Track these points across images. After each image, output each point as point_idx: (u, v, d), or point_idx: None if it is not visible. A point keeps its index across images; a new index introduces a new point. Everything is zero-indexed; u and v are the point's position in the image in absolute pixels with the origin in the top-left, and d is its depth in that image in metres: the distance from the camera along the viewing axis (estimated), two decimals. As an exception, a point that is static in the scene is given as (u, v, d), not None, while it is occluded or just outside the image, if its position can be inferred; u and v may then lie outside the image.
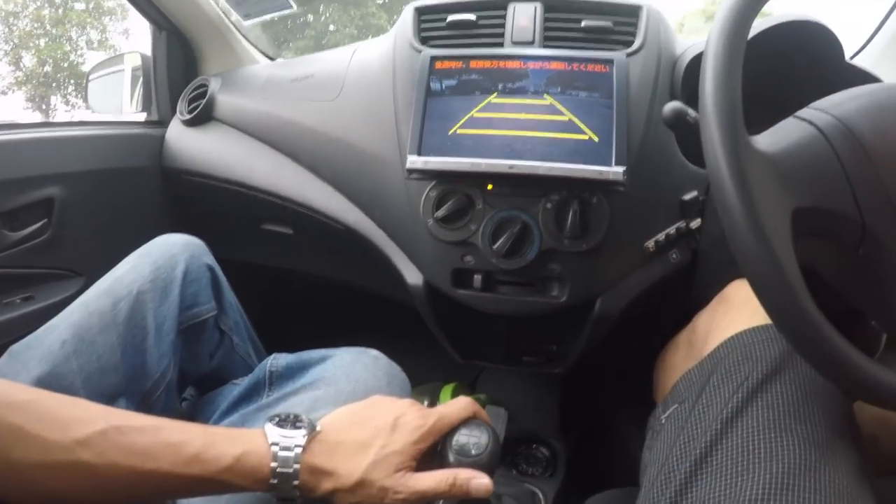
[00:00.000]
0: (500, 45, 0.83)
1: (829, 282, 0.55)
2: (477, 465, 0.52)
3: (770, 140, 0.50)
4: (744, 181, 0.43)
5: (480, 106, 0.75)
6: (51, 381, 0.59)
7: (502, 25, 0.85)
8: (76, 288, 1.00)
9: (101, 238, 1.05)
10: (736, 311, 0.61)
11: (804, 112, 0.52)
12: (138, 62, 1.19)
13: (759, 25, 0.74)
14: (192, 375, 0.78)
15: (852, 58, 1.00)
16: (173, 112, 1.16)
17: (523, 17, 0.85)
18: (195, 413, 0.77)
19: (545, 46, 0.82)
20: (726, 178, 0.43)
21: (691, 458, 0.49)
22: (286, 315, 1.42)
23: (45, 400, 0.46)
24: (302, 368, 0.68)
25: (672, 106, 0.57)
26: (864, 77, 0.75)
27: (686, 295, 0.77)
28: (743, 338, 0.56)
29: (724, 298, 0.65)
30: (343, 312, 1.45)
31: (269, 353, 0.72)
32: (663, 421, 0.58)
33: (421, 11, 0.89)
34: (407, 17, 0.89)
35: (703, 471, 0.48)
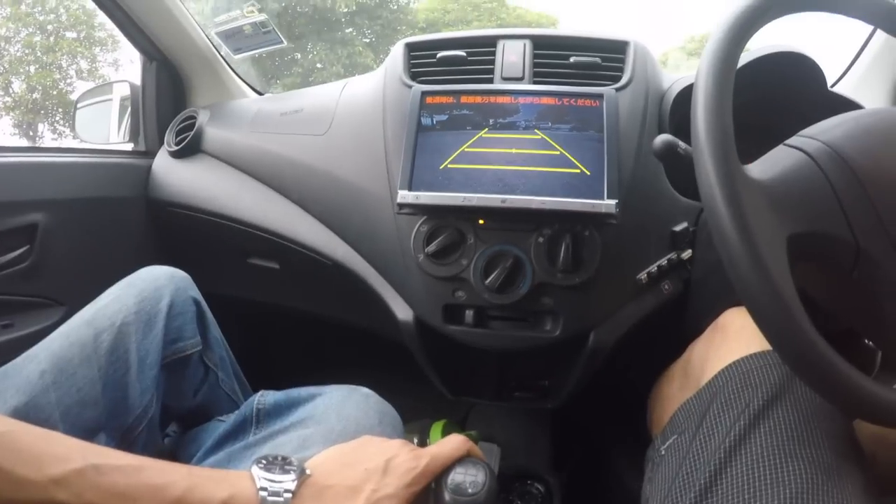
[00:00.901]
0: (490, 80, 0.85)
1: (824, 304, 0.56)
2: None
3: (762, 168, 0.51)
4: (739, 210, 0.43)
5: (471, 141, 0.75)
6: (28, 413, 0.57)
7: (492, 62, 0.87)
8: (57, 317, 0.98)
9: (83, 267, 1.03)
10: (732, 340, 0.61)
11: (794, 140, 0.54)
12: (127, 92, 1.19)
13: (743, 58, 0.76)
14: (176, 411, 0.76)
15: (833, 85, 1.03)
16: (161, 143, 1.16)
17: (513, 54, 0.86)
18: (178, 450, 0.75)
19: (535, 82, 0.84)
20: (722, 207, 0.44)
21: (695, 489, 0.49)
22: (272, 351, 1.39)
23: (20, 433, 0.43)
24: (290, 406, 0.67)
25: (663, 138, 0.58)
26: (847, 104, 0.78)
27: (679, 325, 0.77)
28: (741, 365, 0.56)
29: (718, 327, 0.65)
30: (330, 349, 1.44)
31: (255, 390, 0.70)
32: (663, 452, 0.58)
33: (411, 48, 0.91)
34: (397, 52, 0.91)
35: (709, 501, 0.48)
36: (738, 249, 0.43)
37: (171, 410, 0.74)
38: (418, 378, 0.89)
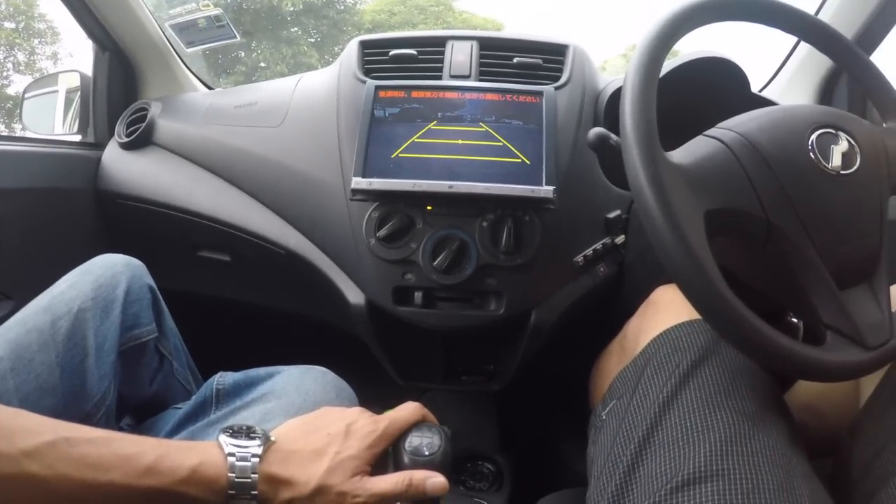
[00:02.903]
0: (439, 77, 0.90)
1: (746, 279, 0.62)
2: (431, 464, 0.53)
3: (682, 154, 0.57)
4: (661, 188, 0.49)
5: (421, 132, 0.80)
6: None
7: (441, 60, 0.91)
8: (4, 311, 0.95)
9: (32, 260, 1.01)
10: (663, 312, 0.66)
11: (712, 131, 0.60)
12: (75, 83, 1.17)
13: (673, 63, 0.83)
14: (131, 401, 0.76)
15: (761, 90, 1.12)
16: (111, 135, 1.14)
17: (460, 54, 0.92)
18: (137, 437, 0.75)
19: (480, 80, 0.89)
20: (645, 185, 0.49)
21: (634, 442, 0.53)
22: (221, 347, 1.39)
23: None
24: (250, 385, 0.69)
25: (596, 131, 0.63)
26: (766, 104, 0.85)
27: (615, 306, 0.83)
28: (671, 333, 0.61)
29: (650, 303, 0.71)
30: (280, 344, 1.43)
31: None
32: (604, 417, 0.62)
33: (365, 45, 0.95)
34: (352, 49, 0.94)
35: (647, 451, 0.52)
36: (660, 221, 0.48)
37: (126, 400, 0.74)
38: (367, 372, 0.91)
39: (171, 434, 0.69)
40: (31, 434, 0.42)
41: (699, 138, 0.61)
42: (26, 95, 1.18)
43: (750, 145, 0.56)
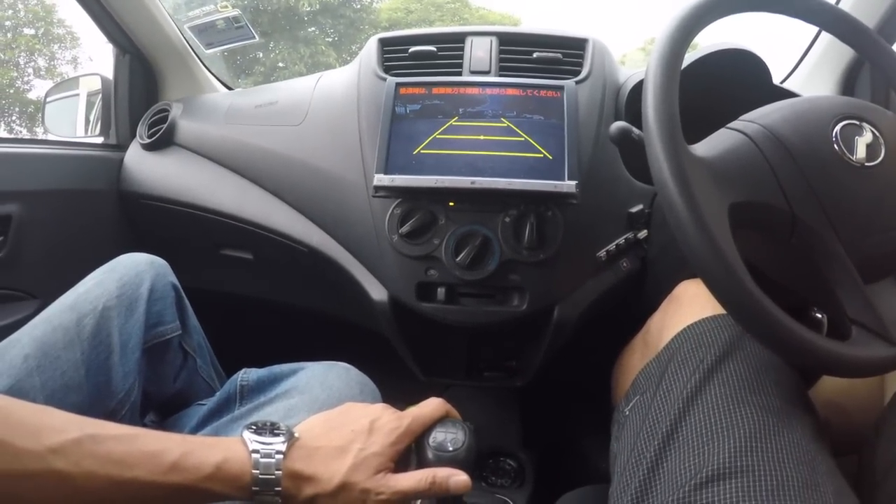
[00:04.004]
0: (459, 74, 0.89)
1: (770, 273, 0.61)
2: (455, 460, 0.53)
3: (706, 147, 0.56)
4: (685, 182, 0.49)
5: (443, 128, 0.80)
6: (13, 396, 0.58)
7: (461, 56, 0.91)
8: (30, 311, 0.97)
9: (57, 260, 1.03)
10: (686, 307, 0.66)
11: (735, 123, 0.59)
12: (96, 86, 1.19)
13: (694, 55, 0.82)
14: (156, 397, 0.77)
15: (782, 82, 1.11)
16: (132, 136, 1.15)
17: (480, 50, 0.91)
18: (161, 433, 0.76)
19: (500, 75, 0.89)
20: (669, 179, 0.49)
21: (658, 438, 0.53)
22: (244, 344, 1.40)
23: (15, 407, 0.44)
24: (274, 381, 0.69)
25: (618, 125, 0.63)
26: (790, 96, 0.84)
27: (638, 302, 0.82)
28: (694, 328, 0.61)
29: (673, 298, 0.70)
30: (303, 340, 1.44)
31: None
32: (627, 413, 0.62)
33: (384, 43, 0.95)
34: (371, 47, 0.94)
35: (671, 447, 0.52)
36: (684, 215, 0.48)
37: (151, 397, 0.75)
38: (391, 368, 0.91)
39: (196, 430, 0.69)
40: (57, 431, 0.43)
41: (722, 131, 0.60)
42: (48, 99, 1.20)
43: (774, 137, 0.56)
